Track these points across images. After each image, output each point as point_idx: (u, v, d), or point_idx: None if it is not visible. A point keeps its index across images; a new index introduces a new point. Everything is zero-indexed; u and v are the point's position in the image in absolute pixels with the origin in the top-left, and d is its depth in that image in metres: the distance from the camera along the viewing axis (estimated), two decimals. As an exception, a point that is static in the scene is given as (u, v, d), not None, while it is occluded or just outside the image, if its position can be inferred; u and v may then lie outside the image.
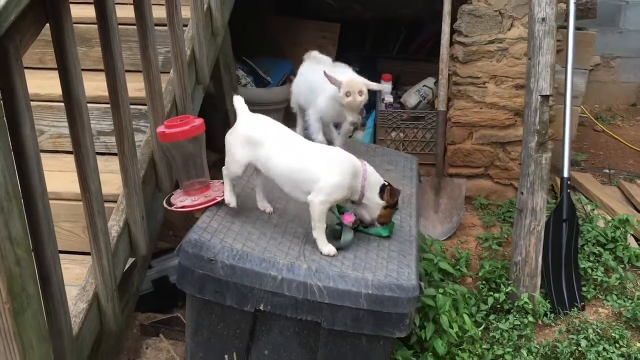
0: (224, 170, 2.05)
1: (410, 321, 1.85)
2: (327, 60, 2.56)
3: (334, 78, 2.24)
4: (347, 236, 2.00)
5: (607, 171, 4.28)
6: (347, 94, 2.23)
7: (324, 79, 2.27)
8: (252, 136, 1.99)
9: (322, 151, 2.03)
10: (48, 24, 1.54)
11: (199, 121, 2.08)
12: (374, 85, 2.33)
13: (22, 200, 1.39)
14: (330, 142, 2.50)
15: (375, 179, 1.99)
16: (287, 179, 1.97)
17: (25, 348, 1.37)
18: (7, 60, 1.33)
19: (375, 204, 1.99)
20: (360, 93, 2.24)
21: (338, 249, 1.94)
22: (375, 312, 1.80)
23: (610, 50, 5.50)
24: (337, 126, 2.57)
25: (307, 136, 2.43)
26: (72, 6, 1.73)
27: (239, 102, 2.11)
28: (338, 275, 1.82)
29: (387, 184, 2.00)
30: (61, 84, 1.59)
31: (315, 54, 2.60)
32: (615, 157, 4.61)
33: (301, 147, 2.00)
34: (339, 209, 2.07)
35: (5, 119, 1.31)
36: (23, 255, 1.34)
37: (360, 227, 2.08)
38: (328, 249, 1.92)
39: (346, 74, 2.33)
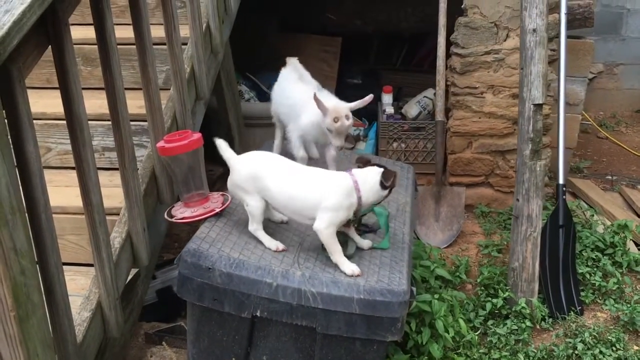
0: (250, 227, 2.06)
1: (402, 325, 1.90)
2: (307, 74, 2.57)
3: (322, 104, 2.23)
4: (350, 249, 2.07)
5: (610, 177, 4.30)
6: (335, 120, 2.22)
7: (306, 98, 2.30)
8: (252, 171, 2.04)
9: (315, 176, 2.06)
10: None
11: (197, 135, 2.16)
12: (358, 104, 2.29)
13: (26, 214, 1.47)
14: (310, 157, 2.52)
15: (367, 181, 2.01)
16: (289, 208, 2.03)
17: (30, 355, 1.44)
18: (11, 82, 1.41)
19: (377, 197, 2.03)
20: (347, 117, 2.24)
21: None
22: (368, 316, 1.86)
23: (613, 58, 5.54)
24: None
25: (288, 150, 2.48)
26: (77, 27, 1.84)
27: (224, 148, 2.12)
28: (331, 281, 1.88)
29: (383, 169, 2.02)
30: (62, 101, 1.68)
31: (294, 60, 2.60)
32: (618, 163, 4.63)
33: (295, 175, 2.05)
34: None
35: (9, 136, 1.40)
36: (27, 265, 1.42)
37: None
38: (351, 269, 1.94)
39: (330, 100, 2.32)
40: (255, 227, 2.05)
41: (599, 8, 5.02)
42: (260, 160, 2.09)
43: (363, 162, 2.10)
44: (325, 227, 1.94)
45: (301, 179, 2.03)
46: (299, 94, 2.43)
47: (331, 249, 1.96)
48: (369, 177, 2.01)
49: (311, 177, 2.05)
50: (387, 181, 2.01)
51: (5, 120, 1.40)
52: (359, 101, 2.28)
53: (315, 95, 2.23)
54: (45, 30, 1.58)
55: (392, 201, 2.43)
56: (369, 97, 2.30)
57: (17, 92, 1.44)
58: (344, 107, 2.27)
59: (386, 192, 2.04)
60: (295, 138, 2.45)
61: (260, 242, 2.03)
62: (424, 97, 4.23)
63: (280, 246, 2.02)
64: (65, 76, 1.65)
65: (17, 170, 1.43)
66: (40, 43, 1.57)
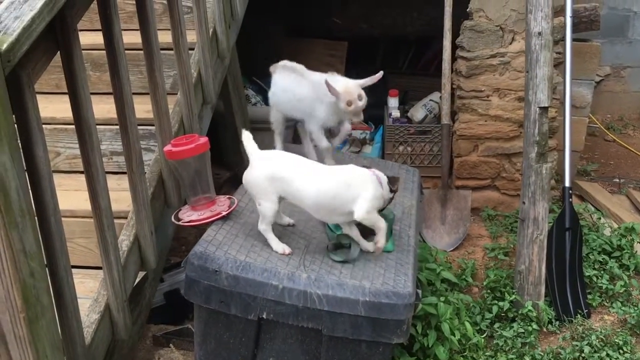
0: (260, 226, 2.06)
1: (407, 327, 1.91)
2: (300, 67, 2.55)
3: (333, 88, 2.24)
4: (354, 252, 2.07)
5: (617, 180, 4.30)
6: (349, 103, 2.25)
7: (315, 88, 2.32)
8: (275, 173, 2.03)
9: (345, 173, 2.07)
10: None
11: (204, 139, 2.18)
12: (367, 81, 2.30)
13: (36, 217, 1.49)
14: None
15: (382, 179, 2.08)
16: (321, 206, 2.03)
17: (40, 356, 1.46)
18: (20, 87, 1.43)
19: (387, 198, 2.09)
20: (360, 97, 2.27)
21: (344, 262, 2.03)
22: (373, 319, 1.87)
23: (620, 60, 5.53)
24: (330, 131, 2.58)
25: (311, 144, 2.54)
26: (86, 33, 1.87)
27: (248, 140, 2.14)
28: (336, 283, 1.90)
29: (389, 176, 2.10)
30: (71, 106, 1.70)
31: (284, 62, 2.58)
32: (626, 166, 4.62)
33: (321, 174, 2.06)
34: (335, 228, 2.16)
35: (19, 141, 1.42)
36: (36, 267, 1.44)
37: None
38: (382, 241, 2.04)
39: (338, 81, 2.32)
40: (265, 228, 2.05)
41: (606, 11, 5.01)
42: (283, 162, 2.08)
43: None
44: (368, 213, 1.99)
45: (329, 177, 2.05)
46: (304, 88, 2.43)
47: (380, 224, 2.02)
48: (381, 177, 2.07)
49: (338, 174, 2.07)
50: (394, 185, 2.08)
51: (15, 125, 1.42)
52: (369, 78, 2.29)
53: (326, 81, 2.24)
54: (54, 36, 1.60)
55: (398, 204, 2.44)
56: (379, 74, 2.31)
57: (27, 97, 1.46)
58: (354, 87, 2.27)
59: (392, 195, 2.09)
60: (316, 130, 2.45)
61: (268, 244, 2.04)
62: (430, 100, 4.24)
63: (287, 249, 2.03)
64: (74, 81, 1.67)
65: (26, 174, 1.45)
66: (49, 49, 1.59)
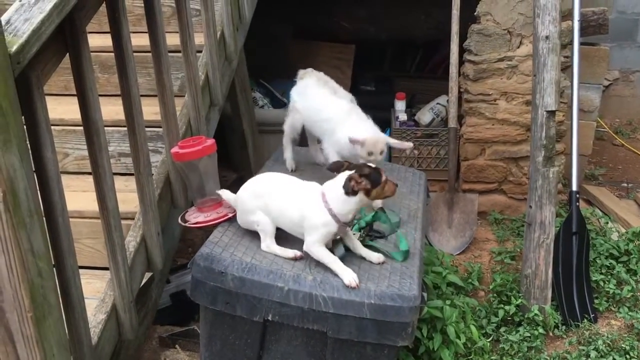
0: (263, 245, 2.02)
1: (412, 330, 1.91)
2: (337, 87, 2.55)
3: (356, 140, 2.22)
4: (338, 252, 2.01)
5: (625, 185, 4.28)
6: (369, 153, 2.22)
7: (343, 114, 2.32)
8: (252, 192, 2.07)
9: (300, 191, 2.01)
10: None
11: (211, 141, 2.19)
12: (396, 143, 2.32)
13: (44, 217, 1.50)
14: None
15: (335, 191, 1.90)
16: (281, 224, 2.03)
17: (47, 355, 1.47)
18: (30, 88, 1.45)
19: (354, 206, 1.90)
20: (381, 152, 2.26)
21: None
22: (378, 321, 1.87)
23: (628, 65, 5.51)
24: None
25: (311, 159, 2.52)
26: (95, 35, 1.88)
27: (226, 195, 2.16)
28: (342, 285, 1.89)
29: (350, 174, 1.90)
30: (80, 108, 1.72)
31: (316, 72, 2.57)
32: (634, 170, 4.60)
33: (287, 192, 2.02)
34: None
35: (27, 142, 1.44)
36: (44, 267, 1.45)
37: (368, 241, 2.15)
38: (349, 279, 1.87)
39: (367, 128, 2.29)
40: (268, 243, 2.02)
41: (614, 15, 5.00)
42: (260, 180, 2.11)
43: (335, 169, 2.01)
44: (312, 244, 1.93)
45: (289, 196, 2.00)
46: (334, 109, 2.39)
47: (325, 261, 1.93)
48: (336, 186, 1.91)
49: (296, 192, 2.00)
50: (347, 187, 1.87)
51: (24, 126, 1.44)
52: (398, 142, 2.32)
53: (350, 138, 2.22)
54: (63, 38, 1.62)
55: (404, 207, 2.45)
56: (408, 145, 2.35)
57: (36, 98, 1.48)
58: (381, 142, 2.25)
59: (364, 198, 1.90)
60: (332, 153, 2.38)
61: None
62: (437, 104, 4.25)
63: (298, 253, 2.00)
64: (83, 83, 1.69)
65: (35, 174, 1.46)
66: (58, 50, 1.61)
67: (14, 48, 1.36)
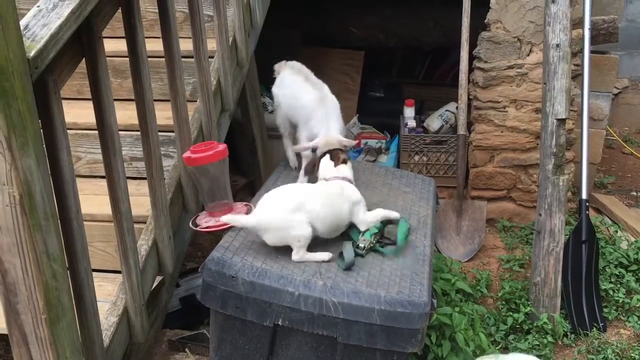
0: (295, 257, 2.04)
1: (422, 336, 1.91)
2: (305, 69, 2.65)
3: (307, 147, 2.41)
4: (349, 254, 2.04)
5: (635, 193, 4.26)
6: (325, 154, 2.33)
7: (316, 102, 2.44)
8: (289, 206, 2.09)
9: (326, 188, 2.20)
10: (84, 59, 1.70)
11: (222, 146, 2.20)
12: (344, 141, 2.39)
13: (58, 220, 1.52)
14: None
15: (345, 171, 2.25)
16: (331, 225, 2.13)
17: (60, 357, 1.48)
18: (47, 92, 1.47)
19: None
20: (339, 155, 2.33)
21: (347, 268, 2.02)
22: (388, 327, 1.87)
23: (638, 73, 5.50)
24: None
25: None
26: (108, 40, 1.90)
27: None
28: (352, 291, 1.90)
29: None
30: (95, 112, 1.73)
31: (292, 63, 2.68)
32: (643, 179, 4.59)
33: (321, 194, 2.14)
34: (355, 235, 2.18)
35: (44, 145, 1.45)
36: (58, 269, 1.47)
37: (377, 247, 2.16)
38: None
39: (325, 129, 2.42)
40: (302, 254, 2.03)
41: (624, 23, 5.00)
42: (284, 195, 2.11)
43: (310, 170, 2.36)
44: (365, 219, 2.17)
45: (325, 196, 2.12)
46: (308, 97, 2.50)
47: (379, 218, 2.19)
48: (341, 168, 2.28)
49: (326, 191, 2.17)
50: (337, 160, 2.28)
51: (41, 130, 1.45)
52: (347, 140, 2.41)
53: (304, 147, 2.43)
54: (79, 43, 1.64)
55: (414, 214, 2.45)
56: (353, 142, 2.48)
57: (53, 102, 1.49)
58: (333, 143, 2.35)
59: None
60: (304, 140, 2.50)
61: (283, 253, 2.05)
62: (446, 110, 4.25)
63: (329, 254, 2.07)
64: (98, 87, 1.70)
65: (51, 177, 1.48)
66: (75, 55, 1.63)
67: (32, 53, 1.38)
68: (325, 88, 2.58)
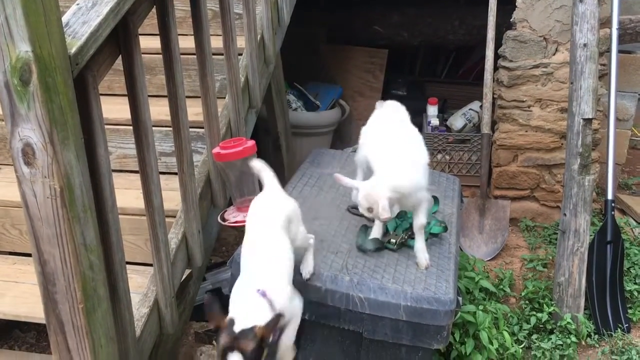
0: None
1: (447, 333, 1.93)
2: (399, 108, 2.40)
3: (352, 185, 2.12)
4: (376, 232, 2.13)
5: (659, 195, 4.22)
6: (369, 210, 2.00)
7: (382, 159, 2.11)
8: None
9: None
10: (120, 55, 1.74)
11: (251, 142, 2.23)
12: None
13: (95, 212, 1.56)
14: None
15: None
16: None
17: (95, 345, 1.52)
18: (86, 88, 1.51)
19: None
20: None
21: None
22: (414, 324, 1.89)
23: (665, 73, 5.43)
24: None
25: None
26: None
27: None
28: (378, 287, 1.93)
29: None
30: (130, 108, 1.77)
31: (388, 104, 2.43)
32: (668, 181, 4.53)
33: None
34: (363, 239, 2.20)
35: (83, 140, 1.50)
36: (95, 260, 1.51)
37: (409, 242, 2.17)
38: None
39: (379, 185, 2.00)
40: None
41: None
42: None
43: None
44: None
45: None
46: (383, 150, 2.17)
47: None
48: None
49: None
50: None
51: (80, 125, 1.49)
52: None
53: (336, 176, 2.06)
54: (116, 40, 1.68)
55: (439, 212, 2.46)
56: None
57: (92, 97, 1.53)
58: (373, 201, 1.97)
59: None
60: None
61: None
62: (470, 109, 4.25)
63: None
64: (134, 84, 1.74)
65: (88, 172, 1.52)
66: (112, 52, 1.67)
67: (73, 50, 1.42)
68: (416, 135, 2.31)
